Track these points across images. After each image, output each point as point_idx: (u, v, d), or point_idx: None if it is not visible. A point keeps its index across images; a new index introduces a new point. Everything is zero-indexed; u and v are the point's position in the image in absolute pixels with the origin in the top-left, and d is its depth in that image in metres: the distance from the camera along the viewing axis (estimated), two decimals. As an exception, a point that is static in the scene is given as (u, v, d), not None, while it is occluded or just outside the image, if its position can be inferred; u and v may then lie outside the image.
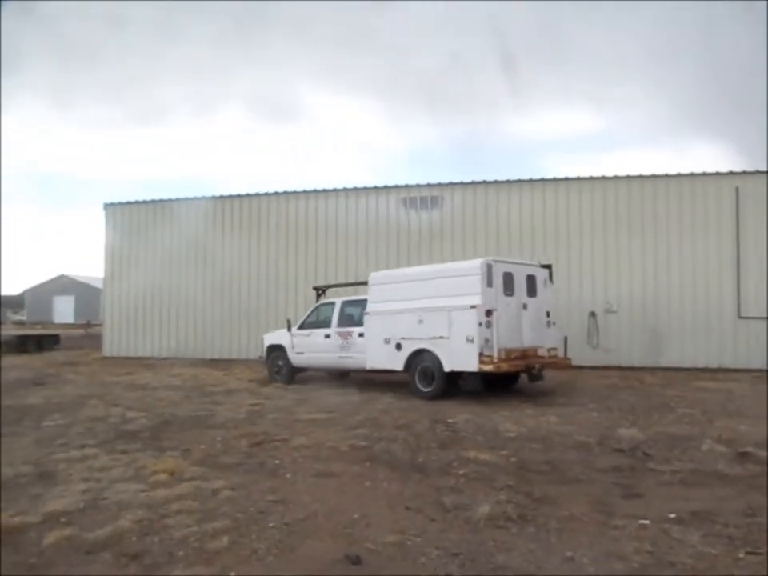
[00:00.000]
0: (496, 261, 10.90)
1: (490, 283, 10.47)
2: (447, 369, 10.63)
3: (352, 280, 15.47)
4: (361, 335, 12.09)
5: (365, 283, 12.60)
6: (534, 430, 8.19)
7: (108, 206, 21.45)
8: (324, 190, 19.32)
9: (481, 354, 10.16)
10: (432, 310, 10.78)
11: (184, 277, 20.16)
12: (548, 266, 12.14)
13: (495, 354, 10.14)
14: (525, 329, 11.06)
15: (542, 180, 17.66)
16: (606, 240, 16.86)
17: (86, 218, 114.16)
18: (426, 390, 10.91)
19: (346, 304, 12.85)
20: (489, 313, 10.23)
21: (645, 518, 4.77)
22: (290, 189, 19.67)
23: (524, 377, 11.23)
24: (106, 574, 3.96)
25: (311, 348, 12.92)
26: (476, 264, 10.65)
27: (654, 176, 16.76)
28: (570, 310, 16.21)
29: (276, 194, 19.76)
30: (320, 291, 14.47)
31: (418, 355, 11.05)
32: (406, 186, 18.72)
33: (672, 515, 4.85)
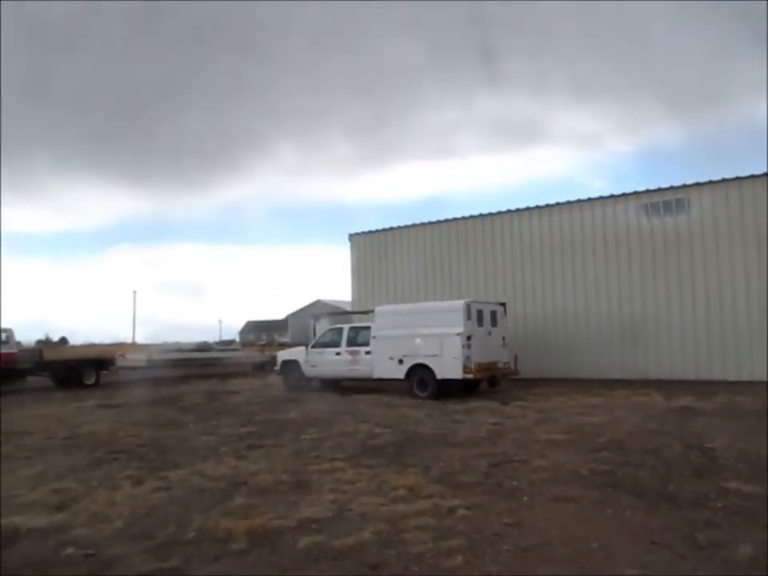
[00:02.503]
0: (472, 302, 15.20)
1: (468, 317, 14.50)
2: (439, 377, 14.39)
3: (593, 297, 17.02)
4: (367, 353, 15.72)
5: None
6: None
7: (352, 236, 23.13)
8: (557, 204, 18.90)
9: (464, 367, 13.99)
10: (428, 336, 14.60)
11: (423, 297, 20.94)
12: (503, 304, 16.46)
13: (473, 367, 14.16)
14: (490, 349, 15.04)
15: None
16: None
17: (335, 247, 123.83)
18: (422, 393, 14.49)
19: (351, 330, 16.56)
20: (468, 338, 14.25)
21: None
22: (521, 206, 19.60)
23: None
24: (349, 581, 4.21)
25: (324, 362, 16.46)
26: (459, 304, 14.81)
27: None
28: None
29: (508, 212, 19.79)
30: (316, 318, 19.69)
31: (416, 368, 14.77)
32: (647, 192, 17.52)
33: None
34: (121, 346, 25.67)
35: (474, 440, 9.13)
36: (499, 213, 20.13)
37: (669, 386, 14.77)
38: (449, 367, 14.20)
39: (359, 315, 18.89)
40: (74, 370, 22.00)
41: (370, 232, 22.78)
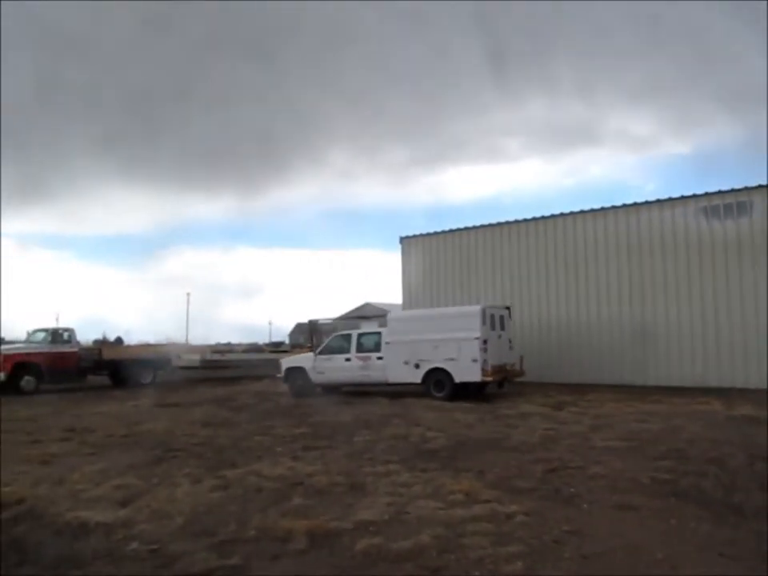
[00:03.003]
0: (487, 306, 15.59)
1: (484, 322, 14.90)
2: (457, 380, 14.84)
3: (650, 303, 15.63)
4: (379, 358, 16.01)
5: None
6: None
7: (404, 239, 23.13)
8: (613, 207, 18.57)
9: (482, 369, 14.48)
10: (445, 340, 14.93)
11: (473, 300, 20.81)
12: (508, 307, 16.80)
13: (489, 369, 14.58)
14: (500, 351, 15.42)
15: None
16: None
17: (384, 250, 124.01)
18: (439, 394, 14.90)
19: (360, 336, 16.77)
20: (485, 342, 14.68)
21: None
22: (575, 210, 19.30)
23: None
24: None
25: (332, 368, 16.62)
26: (476, 309, 15.25)
27: None
28: None
29: (561, 215, 19.52)
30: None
31: (433, 372, 15.15)
32: (706, 194, 17.03)
33: None
34: (174, 346, 26.14)
35: (527, 445, 9.02)
36: (552, 216, 19.82)
37: (729, 395, 14.31)
38: (467, 370, 14.67)
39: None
40: (132, 369, 22.60)
41: (421, 235, 22.75)
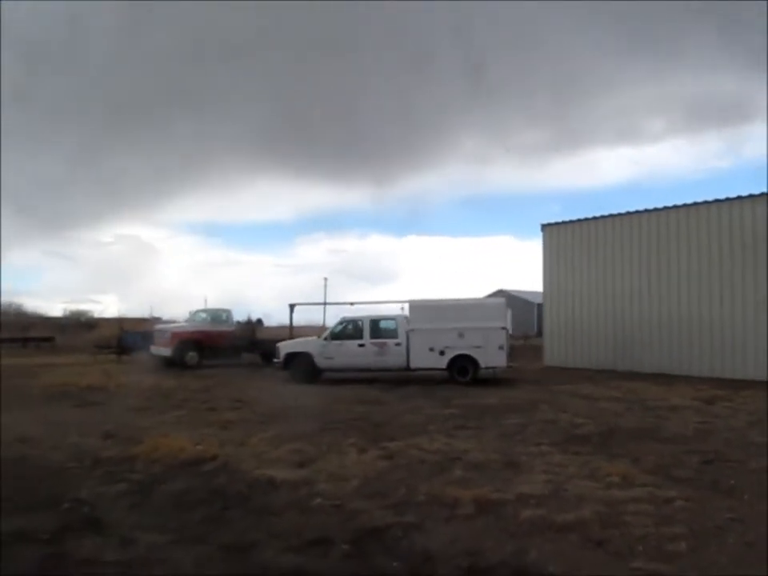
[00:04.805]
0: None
1: (507, 313, 16.81)
2: (483, 366, 16.00)
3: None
4: (397, 345, 16.52)
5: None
6: None
7: (545, 227, 22.89)
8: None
9: (508, 356, 16.04)
10: (471, 329, 15.90)
11: (619, 292, 20.29)
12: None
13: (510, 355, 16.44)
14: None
15: None
16: None
17: (518, 237, 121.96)
18: (463, 379, 15.81)
19: (373, 322, 17.06)
20: (507, 330, 16.35)
21: None
22: (731, 196, 18.23)
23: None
24: (576, 554, 4.53)
25: (344, 354, 16.68)
26: (501, 301, 17.88)
27: None
28: None
29: (716, 202, 18.47)
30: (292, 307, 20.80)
31: (458, 358, 16.00)
32: None
33: None
34: (314, 329, 27.50)
35: (681, 437, 8.93)
36: (705, 203, 18.79)
37: None
38: (492, 357, 15.86)
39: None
40: (282, 349, 24.05)
41: (564, 222, 22.41)
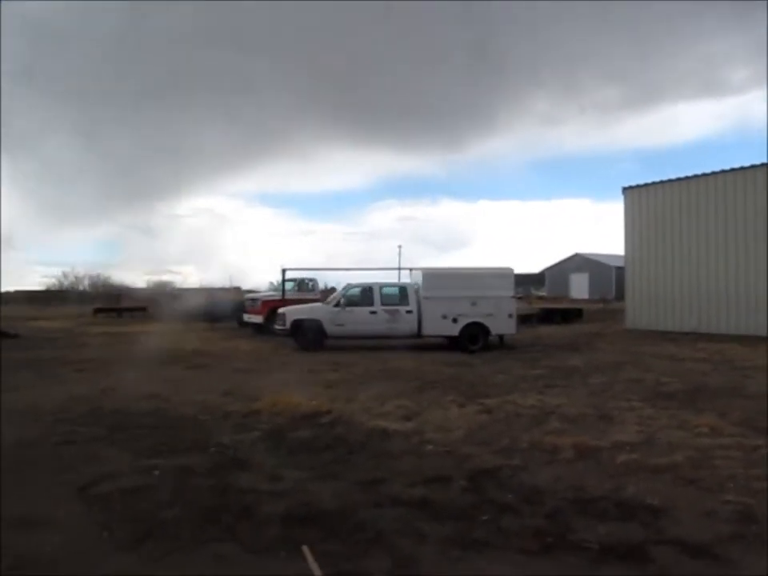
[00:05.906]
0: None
1: (513, 282, 17.32)
2: (494, 333, 16.68)
3: None
4: (408, 312, 16.74)
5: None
6: None
7: (626, 189, 22.78)
8: None
9: (517, 324, 17.10)
10: (484, 297, 16.47)
11: (704, 254, 20.13)
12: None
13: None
14: None
15: None
16: None
17: (593, 199, 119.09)
18: (474, 346, 16.21)
19: (383, 288, 17.31)
20: (515, 299, 17.49)
21: None
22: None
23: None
24: (670, 490, 5.11)
25: (355, 321, 16.72)
26: (510, 270, 17.47)
27: None
28: None
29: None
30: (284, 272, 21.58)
31: (470, 326, 16.42)
32: None
33: None
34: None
35: (765, 394, 9.24)
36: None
37: None
38: (503, 324, 16.59)
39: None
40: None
41: (645, 185, 22.23)
